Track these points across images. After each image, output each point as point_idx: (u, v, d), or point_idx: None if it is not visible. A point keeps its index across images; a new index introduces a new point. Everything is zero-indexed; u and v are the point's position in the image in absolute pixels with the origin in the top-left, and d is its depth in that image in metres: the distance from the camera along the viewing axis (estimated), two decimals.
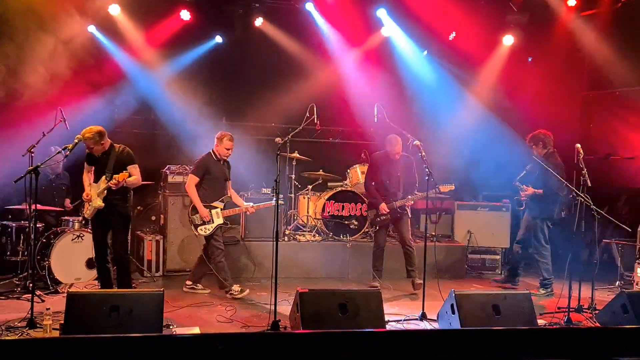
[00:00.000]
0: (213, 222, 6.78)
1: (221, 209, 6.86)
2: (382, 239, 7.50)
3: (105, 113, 8.51)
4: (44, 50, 7.69)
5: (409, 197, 7.25)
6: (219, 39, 9.64)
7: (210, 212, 6.77)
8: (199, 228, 6.77)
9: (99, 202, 6.07)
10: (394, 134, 7.27)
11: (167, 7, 9.08)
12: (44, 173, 7.45)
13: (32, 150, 6.34)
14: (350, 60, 10.08)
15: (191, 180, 6.82)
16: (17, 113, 7.41)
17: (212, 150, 6.95)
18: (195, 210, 6.78)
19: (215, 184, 6.87)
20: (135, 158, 6.28)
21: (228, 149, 6.89)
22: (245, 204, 7.11)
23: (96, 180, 6.21)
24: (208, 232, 6.76)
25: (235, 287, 6.83)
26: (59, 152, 5.87)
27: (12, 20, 7.42)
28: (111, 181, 5.96)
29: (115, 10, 8.85)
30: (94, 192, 6.12)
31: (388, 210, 7.27)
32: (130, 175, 6.02)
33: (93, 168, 6.27)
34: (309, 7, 9.45)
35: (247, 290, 6.87)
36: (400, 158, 7.31)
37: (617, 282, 7.92)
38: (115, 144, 6.24)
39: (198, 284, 7.04)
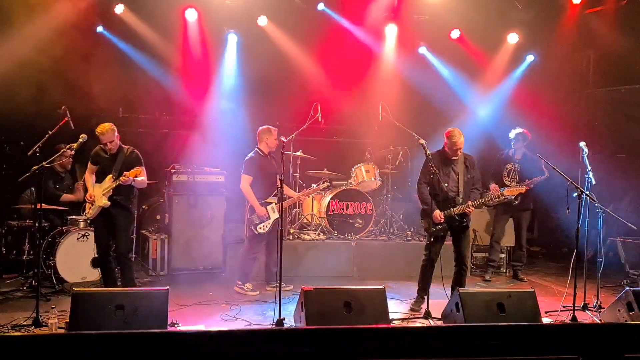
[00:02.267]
0: (270, 218, 6.89)
1: (275, 204, 6.97)
2: (436, 252, 6.32)
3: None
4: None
5: (470, 202, 6.25)
6: (233, 37, 9.62)
7: (266, 208, 6.87)
8: (258, 227, 6.85)
9: (103, 201, 6.09)
10: (454, 127, 6.36)
11: (172, 7, 9.07)
12: (53, 172, 7.53)
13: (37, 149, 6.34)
14: (355, 59, 10.05)
15: (245, 180, 6.86)
16: None
17: (257, 148, 7.05)
18: (252, 210, 6.84)
19: (267, 179, 6.94)
20: (142, 160, 6.31)
21: (276, 139, 7.01)
22: (296, 193, 7.25)
23: (100, 180, 6.23)
24: (267, 229, 6.85)
25: (249, 285, 6.96)
26: (63, 151, 5.88)
27: None
28: (121, 177, 5.98)
29: (119, 9, 8.86)
30: (98, 192, 6.14)
31: (443, 218, 6.21)
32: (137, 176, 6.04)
33: (96, 168, 6.29)
34: (320, 6, 9.42)
35: (258, 292, 6.97)
36: (460, 156, 6.36)
37: (624, 280, 7.89)
38: (123, 145, 6.28)
39: (271, 282, 6.99)
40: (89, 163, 6.36)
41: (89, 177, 6.32)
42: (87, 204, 6.28)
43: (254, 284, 7.07)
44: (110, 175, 6.13)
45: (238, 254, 7.18)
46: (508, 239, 8.51)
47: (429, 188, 6.23)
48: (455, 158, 6.28)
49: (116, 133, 6.16)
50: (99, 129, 6.09)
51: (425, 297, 6.21)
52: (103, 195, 6.10)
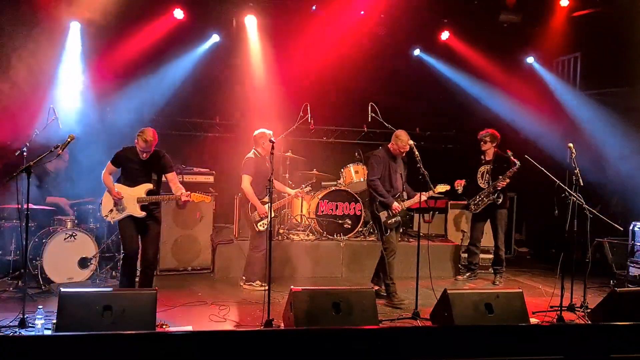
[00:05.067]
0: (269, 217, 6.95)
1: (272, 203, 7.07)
2: (396, 243, 6.84)
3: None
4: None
5: (423, 194, 6.53)
6: (216, 37, 9.59)
7: (265, 207, 6.96)
8: (258, 224, 7.01)
9: (138, 210, 5.95)
10: (402, 130, 6.76)
11: (160, 6, 9.00)
12: (45, 171, 7.46)
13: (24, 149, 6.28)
14: (344, 59, 10.05)
15: (246, 180, 7.03)
16: None
17: (255, 150, 7.17)
18: (254, 208, 6.99)
19: (263, 180, 6.95)
20: (172, 164, 6.22)
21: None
22: (292, 191, 7.39)
23: (132, 184, 5.98)
24: (265, 226, 6.95)
25: (258, 282, 7.10)
26: (50, 152, 5.81)
27: None
28: (184, 196, 5.92)
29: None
30: (132, 198, 5.96)
31: (399, 210, 6.65)
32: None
33: (116, 170, 6.06)
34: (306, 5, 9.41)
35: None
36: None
37: (611, 281, 7.95)
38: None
39: (257, 281, 7.17)
40: (110, 163, 6.02)
41: (110, 179, 6.03)
42: (108, 206, 6.05)
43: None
44: (151, 185, 5.99)
45: (247, 254, 7.26)
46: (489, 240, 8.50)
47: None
48: (399, 157, 6.77)
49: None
50: (148, 137, 5.76)
51: (395, 291, 6.71)
52: (137, 203, 5.94)
